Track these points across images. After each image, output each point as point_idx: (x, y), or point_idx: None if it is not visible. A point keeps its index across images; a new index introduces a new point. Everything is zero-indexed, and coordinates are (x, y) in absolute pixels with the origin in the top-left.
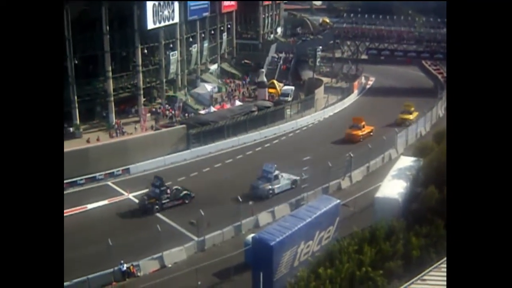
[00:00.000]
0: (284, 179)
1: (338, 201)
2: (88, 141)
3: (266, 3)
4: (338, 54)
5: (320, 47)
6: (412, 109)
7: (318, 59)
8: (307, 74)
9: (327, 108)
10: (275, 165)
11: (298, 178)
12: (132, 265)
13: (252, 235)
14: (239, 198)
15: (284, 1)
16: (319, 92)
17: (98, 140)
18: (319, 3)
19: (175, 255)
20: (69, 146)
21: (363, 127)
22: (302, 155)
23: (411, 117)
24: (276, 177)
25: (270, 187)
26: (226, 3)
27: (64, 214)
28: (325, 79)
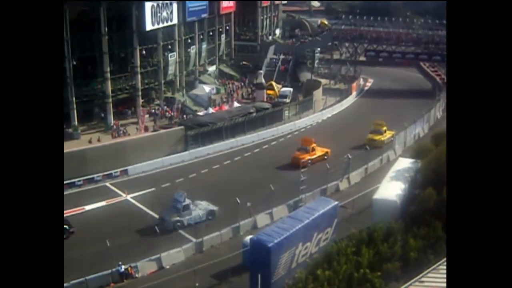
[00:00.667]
0: (198, 209)
1: (336, 202)
2: (90, 141)
3: (264, 4)
4: (336, 56)
5: (319, 48)
6: (384, 128)
7: (317, 61)
8: (306, 76)
9: (325, 110)
10: (185, 193)
11: (216, 208)
12: (130, 266)
13: (250, 236)
14: (238, 200)
15: (283, 3)
16: (317, 93)
17: (99, 140)
18: (317, 4)
19: (173, 256)
20: (68, 147)
21: (313, 149)
22: None
23: (382, 138)
24: (187, 207)
25: (178, 218)
26: (224, 4)
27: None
28: (323, 81)
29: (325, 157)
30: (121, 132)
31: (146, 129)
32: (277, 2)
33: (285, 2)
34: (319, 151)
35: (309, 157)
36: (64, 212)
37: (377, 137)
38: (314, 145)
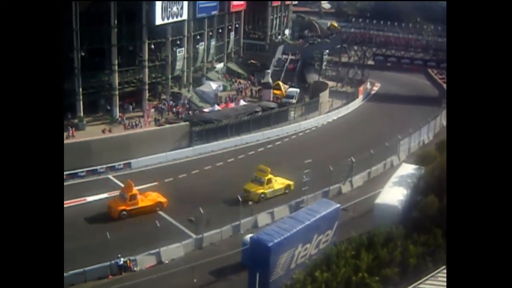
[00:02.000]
0: None
1: (338, 205)
2: (103, 132)
3: (275, 4)
4: (344, 59)
5: (327, 50)
6: (268, 177)
7: (325, 63)
8: (313, 77)
9: (331, 112)
10: None
11: None
12: (129, 259)
13: (250, 235)
14: (239, 198)
15: (293, 3)
16: (324, 95)
17: (110, 131)
18: (328, 6)
19: (172, 251)
20: (75, 137)
21: (132, 198)
22: (303, 158)
23: (261, 190)
24: None
25: None
26: (235, 2)
27: (64, 205)
28: (330, 83)
29: (157, 208)
30: (134, 124)
31: (157, 121)
32: (287, 2)
33: (296, 2)
34: (147, 201)
35: (123, 208)
36: (66, 202)
37: (253, 189)
38: (134, 191)
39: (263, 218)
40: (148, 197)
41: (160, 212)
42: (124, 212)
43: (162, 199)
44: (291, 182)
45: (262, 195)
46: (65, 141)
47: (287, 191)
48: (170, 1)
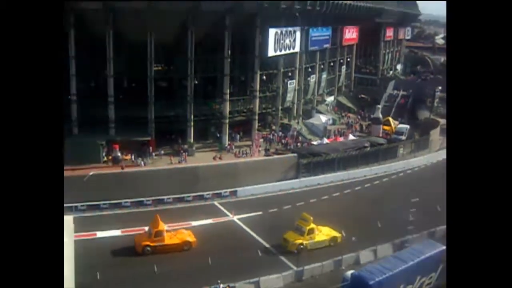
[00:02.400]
0: None
1: (444, 247)
2: (214, 159)
3: (387, 38)
4: None
5: (440, 87)
6: (310, 227)
7: (437, 100)
8: (424, 114)
9: (441, 150)
10: None
11: None
12: (228, 286)
13: (352, 271)
14: (343, 233)
15: (406, 38)
16: (435, 133)
17: (220, 158)
18: (441, 42)
19: (272, 281)
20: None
21: (158, 234)
22: (410, 196)
23: (301, 240)
24: None
25: None
26: (347, 36)
27: (169, 228)
28: (442, 121)
29: (185, 247)
30: (244, 152)
31: (267, 151)
32: (400, 37)
33: (409, 37)
34: (175, 239)
35: (148, 243)
36: (171, 225)
37: (292, 239)
38: (161, 227)
39: (365, 255)
40: (177, 235)
41: (263, 242)
42: (148, 248)
43: (192, 238)
44: (338, 234)
45: (301, 246)
46: (177, 166)
47: (332, 243)
48: (284, 34)
